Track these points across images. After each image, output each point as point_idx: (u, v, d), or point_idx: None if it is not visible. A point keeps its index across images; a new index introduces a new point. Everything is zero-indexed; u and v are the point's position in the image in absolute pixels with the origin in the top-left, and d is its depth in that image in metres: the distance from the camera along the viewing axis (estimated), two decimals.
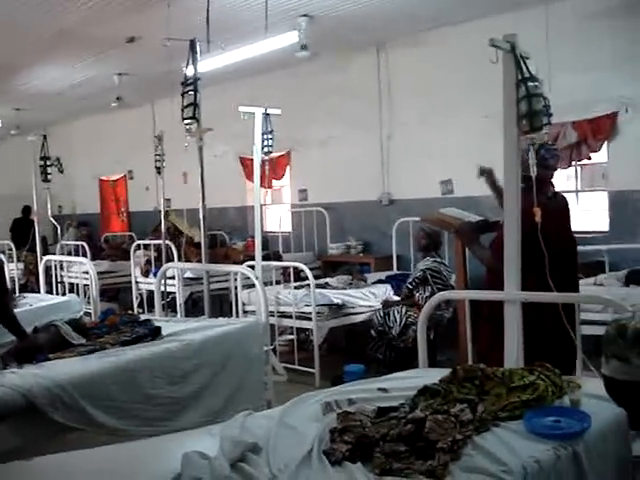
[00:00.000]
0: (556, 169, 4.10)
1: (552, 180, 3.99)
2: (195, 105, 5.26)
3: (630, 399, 1.59)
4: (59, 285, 8.35)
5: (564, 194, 4.30)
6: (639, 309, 1.66)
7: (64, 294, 7.55)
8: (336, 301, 6.78)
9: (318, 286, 6.90)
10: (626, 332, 1.56)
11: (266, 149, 6.74)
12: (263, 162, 6.83)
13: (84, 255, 9.16)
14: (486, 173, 4.40)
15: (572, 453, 2.35)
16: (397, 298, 6.94)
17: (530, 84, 3.20)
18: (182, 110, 5.32)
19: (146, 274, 8.83)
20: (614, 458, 2.58)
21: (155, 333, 4.35)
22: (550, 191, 3.93)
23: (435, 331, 6.19)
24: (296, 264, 6.98)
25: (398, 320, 6.31)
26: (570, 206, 4.13)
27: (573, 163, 7.50)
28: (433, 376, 2.96)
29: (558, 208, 3.91)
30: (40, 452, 2.59)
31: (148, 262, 8.93)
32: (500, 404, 2.59)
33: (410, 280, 6.74)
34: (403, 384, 3.07)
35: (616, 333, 1.58)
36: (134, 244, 9.29)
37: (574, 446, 2.37)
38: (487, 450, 2.27)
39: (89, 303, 6.99)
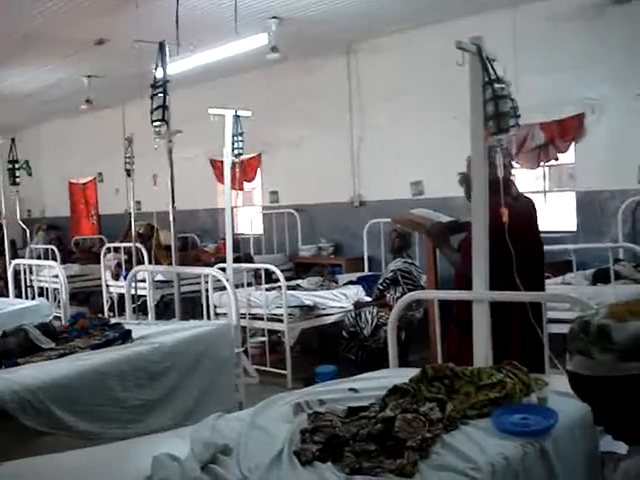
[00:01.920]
0: (512, 168, 4.15)
1: (514, 180, 4.04)
2: (164, 107, 5.23)
3: (593, 394, 1.61)
4: (28, 289, 8.26)
5: (530, 195, 4.35)
6: (603, 305, 1.69)
7: (33, 298, 7.46)
8: (307, 303, 6.79)
9: (289, 288, 6.91)
10: (589, 328, 1.58)
11: (236, 151, 6.72)
12: (234, 164, 6.82)
13: (54, 259, 9.07)
14: (467, 182, 4.43)
15: (540, 449, 2.39)
16: (368, 299, 6.97)
17: (497, 86, 3.23)
18: (151, 112, 5.29)
19: (116, 277, 8.78)
20: (582, 453, 2.62)
21: (126, 336, 4.32)
22: (514, 192, 3.97)
23: (406, 331, 6.22)
24: (267, 266, 6.99)
25: (369, 321, 6.33)
26: (536, 207, 4.17)
27: (541, 164, 7.58)
28: (403, 376, 2.98)
29: (523, 208, 3.95)
30: (13, 457, 2.57)
31: (118, 265, 8.87)
32: (469, 402, 2.62)
33: (381, 281, 6.77)
34: (373, 384, 3.09)
35: (580, 329, 1.60)
36: (104, 247, 9.22)
37: (541, 442, 2.40)
38: (456, 448, 2.30)
39: (59, 307, 6.92)
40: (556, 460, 2.42)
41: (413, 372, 2.97)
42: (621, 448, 1.79)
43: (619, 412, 1.60)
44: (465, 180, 4.23)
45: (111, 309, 8.69)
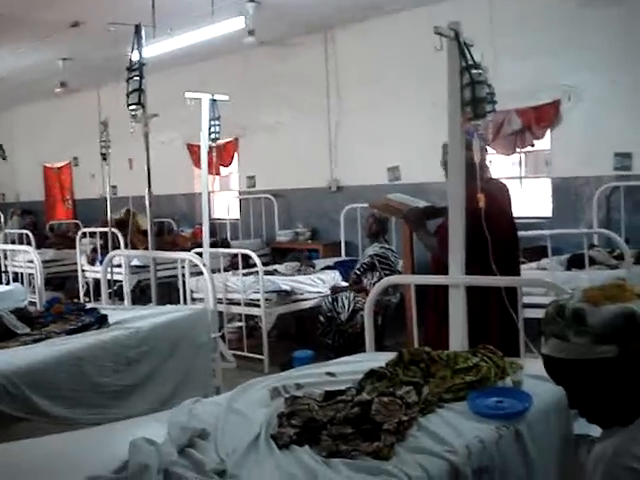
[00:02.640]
0: (487, 153, 4.18)
1: (487, 165, 4.05)
2: (140, 91, 5.19)
3: (567, 377, 1.63)
4: (3, 274, 8.19)
5: (506, 180, 4.37)
6: (578, 290, 1.71)
7: (8, 283, 7.40)
8: (285, 288, 6.80)
9: (266, 273, 6.91)
10: (564, 311, 1.60)
11: (213, 135, 6.69)
12: (210, 149, 6.79)
13: (28, 243, 9.00)
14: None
15: (514, 432, 2.41)
16: (345, 284, 6.99)
17: (474, 71, 3.24)
18: (127, 96, 5.25)
19: (92, 262, 8.72)
20: (556, 436, 2.65)
21: (101, 321, 4.30)
22: (487, 176, 3.99)
23: (383, 316, 6.25)
24: (244, 251, 6.98)
25: (346, 306, 6.35)
26: (509, 191, 4.19)
27: (517, 150, 7.62)
28: (380, 360, 3.00)
29: (497, 193, 3.97)
30: None
31: (94, 250, 8.82)
32: (445, 386, 2.64)
33: (358, 266, 6.79)
34: (350, 368, 3.10)
35: (555, 313, 1.62)
36: (80, 232, 9.16)
37: (516, 425, 2.43)
38: (432, 431, 2.32)
39: (34, 292, 6.87)
40: (531, 442, 2.45)
41: (390, 356, 2.99)
42: (595, 431, 1.81)
43: (593, 395, 1.62)
44: (445, 165, 4.26)
45: (87, 294, 8.64)
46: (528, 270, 5.69)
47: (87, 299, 8.31)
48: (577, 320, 1.58)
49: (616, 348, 1.55)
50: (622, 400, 1.59)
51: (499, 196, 3.98)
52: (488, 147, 4.00)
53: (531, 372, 2.79)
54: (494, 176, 4.25)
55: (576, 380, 1.62)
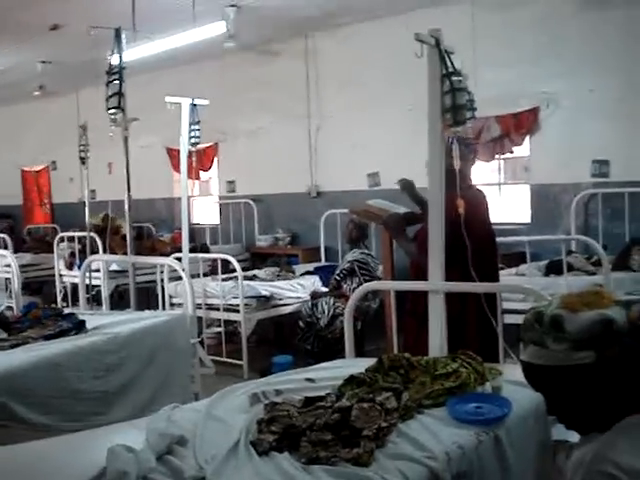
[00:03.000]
0: (474, 162, 4.19)
1: (468, 173, 4.06)
2: (120, 95, 5.17)
3: (546, 383, 1.64)
4: None
5: (485, 187, 4.39)
6: (556, 296, 1.72)
7: None
8: (264, 293, 6.78)
9: (246, 278, 6.89)
10: (543, 318, 1.61)
11: (193, 140, 6.66)
12: (190, 153, 6.76)
13: (5, 247, 8.93)
14: (407, 188, 4.47)
15: (494, 438, 2.42)
16: (325, 289, 6.99)
17: (454, 78, 3.25)
18: (107, 100, 5.22)
19: (70, 267, 8.66)
20: (535, 442, 2.66)
21: (79, 327, 4.26)
22: (467, 183, 4.00)
23: (362, 322, 6.26)
24: (223, 256, 6.95)
25: (326, 311, 6.35)
26: (487, 198, 4.20)
27: (496, 156, 7.67)
28: (359, 366, 2.99)
29: (474, 199, 3.98)
30: None
31: (72, 255, 8.76)
32: (424, 392, 2.64)
33: (338, 272, 6.79)
34: (330, 374, 3.09)
35: (533, 320, 1.64)
36: (58, 236, 9.10)
37: (495, 431, 2.44)
38: (411, 437, 2.32)
39: (11, 297, 6.82)
40: (509, 448, 2.45)
41: (369, 362, 2.99)
42: (573, 437, 1.82)
43: (571, 402, 1.63)
44: (405, 188, 4.31)
45: (64, 299, 8.57)
46: (507, 276, 5.72)
47: (65, 304, 8.24)
48: (555, 327, 1.59)
49: (594, 354, 1.56)
50: (600, 406, 1.60)
51: (477, 203, 4.00)
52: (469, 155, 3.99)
53: (510, 378, 2.80)
54: (472, 183, 4.26)
55: (554, 386, 1.63)
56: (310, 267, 8.01)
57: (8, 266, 6.98)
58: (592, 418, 1.63)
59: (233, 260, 6.63)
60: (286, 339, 7.25)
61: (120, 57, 5.26)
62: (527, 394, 2.54)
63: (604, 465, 1.43)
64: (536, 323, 1.63)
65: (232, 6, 7.45)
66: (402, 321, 3.99)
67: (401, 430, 2.36)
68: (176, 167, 9.99)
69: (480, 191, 4.25)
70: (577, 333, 1.56)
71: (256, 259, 9.39)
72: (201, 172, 10.36)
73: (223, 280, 6.77)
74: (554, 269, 6.01)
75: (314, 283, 7.30)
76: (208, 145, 10.07)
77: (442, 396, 2.62)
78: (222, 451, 2.23)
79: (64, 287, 8.73)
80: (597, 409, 1.61)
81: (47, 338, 4.06)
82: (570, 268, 5.78)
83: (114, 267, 7.80)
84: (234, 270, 6.61)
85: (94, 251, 7.95)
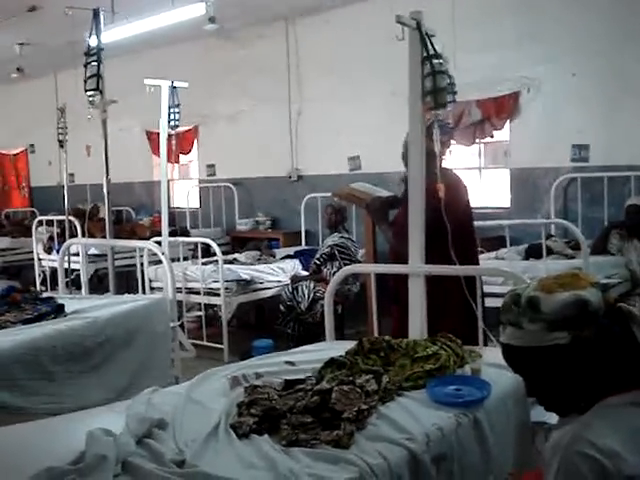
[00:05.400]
0: (449, 145, 4.18)
1: (444, 156, 4.05)
2: (98, 76, 5.10)
3: (523, 364, 1.66)
4: None
5: (466, 171, 4.38)
6: (535, 279, 1.74)
7: None
8: (244, 277, 6.77)
9: (226, 262, 6.87)
10: (520, 300, 1.63)
11: (173, 123, 6.61)
12: (170, 136, 6.72)
13: None
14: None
15: (473, 420, 2.44)
16: (305, 273, 6.98)
17: (435, 61, 3.25)
18: (85, 82, 5.16)
19: (49, 251, 8.59)
20: (514, 424, 2.68)
21: (58, 310, 4.23)
22: (442, 166, 3.99)
23: (343, 305, 6.26)
24: (204, 240, 6.92)
25: (306, 295, 6.35)
26: (465, 182, 4.19)
27: (477, 141, 7.68)
28: (340, 349, 3.00)
29: (452, 182, 3.96)
30: None
31: (51, 238, 8.68)
32: (404, 374, 2.66)
33: (318, 256, 6.78)
34: (310, 357, 3.10)
35: (511, 301, 1.65)
36: (36, 220, 9.02)
37: (475, 413, 2.45)
38: (391, 419, 2.33)
39: None
40: (489, 430, 2.47)
41: (349, 345, 3.00)
42: (551, 418, 1.84)
43: (549, 383, 1.64)
44: (405, 159, 4.26)
45: (43, 283, 8.50)
46: (487, 260, 5.74)
47: (44, 288, 8.17)
48: (531, 307, 1.60)
49: (568, 335, 1.57)
50: (576, 388, 1.61)
51: (455, 186, 3.99)
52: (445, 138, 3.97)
53: (490, 360, 2.82)
54: (450, 166, 4.25)
55: (532, 368, 1.64)
56: (290, 251, 8.00)
57: None
58: (569, 400, 1.64)
59: (213, 244, 6.61)
60: (266, 323, 7.25)
61: (98, 38, 5.20)
62: (506, 376, 2.56)
63: (581, 446, 1.44)
64: (514, 305, 1.64)
65: None
66: (383, 305, 4.00)
67: (381, 412, 2.38)
68: (155, 150, 9.92)
69: (456, 175, 4.24)
70: (551, 313, 1.57)
71: (236, 243, 9.36)
72: (181, 155, 10.30)
73: (203, 264, 6.74)
74: (534, 253, 6.04)
75: (294, 267, 7.29)
76: (188, 128, 10.01)
77: (422, 378, 2.63)
78: (202, 434, 2.23)
79: (43, 271, 8.66)
80: (574, 391, 1.62)
81: (25, 322, 4.03)
82: (549, 252, 5.81)
83: (93, 251, 7.75)
84: (214, 254, 6.59)
85: (73, 235, 7.89)
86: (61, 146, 7.63)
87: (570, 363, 1.58)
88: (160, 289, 6.38)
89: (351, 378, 2.51)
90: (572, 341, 1.57)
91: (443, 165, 4.01)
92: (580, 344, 1.57)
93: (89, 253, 7.63)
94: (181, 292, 6.35)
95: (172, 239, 6.90)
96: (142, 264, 6.44)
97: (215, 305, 6.74)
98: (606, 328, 1.57)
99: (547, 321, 1.58)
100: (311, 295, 6.33)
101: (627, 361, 1.58)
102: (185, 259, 7.19)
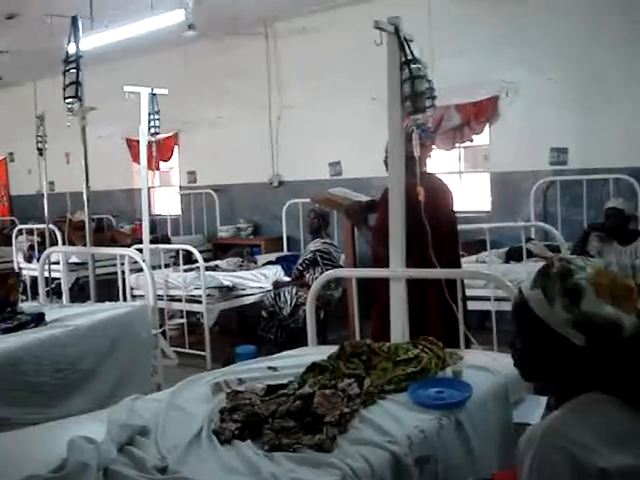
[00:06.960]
0: (432, 149, 4.21)
1: (427, 160, 4.07)
2: (77, 84, 5.09)
3: (527, 326, 1.59)
4: None
5: (446, 175, 4.41)
6: (590, 263, 1.64)
7: None
8: (226, 283, 6.76)
9: (208, 269, 6.85)
10: (568, 279, 1.56)
11: (153, 130, 6.60)
12: (150, 143, 6.70)
13: None
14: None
15: (455, 421, 2.45)
16: (288, 279, 6.98)
17: (413, 66, 3.27)
18: (64, 89, 5.15)
19: (29, 259, 8.55)
20: (496, 425, 2.70)
21: (39, 319, 4.20)
22: (424, 170, 4.02)
23: (325, 311, 6.26)
24: (185, 246, 6.90)
25: (289, 301, 6.34)
26: (447, 186, 4.22)
27: (457, 145, 7.72)
28: (322, 353, 3.01)
29: (434, 186, 3.99)
30: None
31: (31, 247, 8.64)
32: (386, 378, 2.67)
33: (300, 262, 6.78)
34: (292, 362, 3.11)
35: (558, 273, 1.57)
36: (16, 229, 8.96)
37: (457, 415, 2.47)
38: (374, 422, 2.34)
39: None
40: (471, 431, 2.48)
41: (332, 349, 3.00)
42: (533, 419, 1.84)
43: (538, 356, 1.61)
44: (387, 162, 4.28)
45: (24, 292, 8.44)
46: (467, 263, 5.77)
47: (24, 297, 8.13)
48: (572, 296, 1.55)
49: (585, 341, 1.55)
50: (560, 376, 1.60)
51: (437, 190, 4.02)
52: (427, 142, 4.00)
53: (471, 363, 2.84)
54: (432, 171, 4.28)
55: (532, 334, 1.61)
56: (272, 257, 7.99)
57: None
58: (549, 380, 1.64)
59: (195, 251, 6.59)
60: (249, 329, 7.23)
61: (77, 45, 5.18)
62: (487, 378, 2.58)
63: (555, 439, 1.45)
64: (559, 278, 1.59)
65: None
66: (365, 310, 4.01)
67: (363, 416, 2.38)
68: (136, 157, 9.87)
69: (439, 179, 4.27)
70: (586, 317, 1.54)
71: (218, 250, 9.33)
72: (161, 162, 10.26)
73: (185, 271, 6.73)
74: (514, 256, 6.08)
75: (276, 273, 7.29)
76: (168, 135, 9.97)
77: (404, 381, 2.64)
78: (184, 440, 2.23)
79: (23, 280, 8.60)
80: (557, 377, 1.61)
81: (6, 331, 4.00)
82: (530, 255, 5.85)
83: (74, 259, 7.71)
84: (196, 261, 6.57)
85: (54, 243, 7.86)
86: (40, 154, 7.59)
87: (569, 359, 1.57)
88: (142, 297, 6.35)
89: (333, 382, 2.52)
90: (585, 347, 1.55)
91: (427, 170, 4.05)
92: (588, 353, 1.55)
93: (70, 261, 7.59)
94: (163, 299, 6.33)
95: (153, 246, 6.88)
96: (123, 272, 6.41)
97: (197, 312, 6.72)
98: (620, 352, 1.55)
99: (577, 318, 1.55)
100: (293, 301, 6.33)
101: (619, 379, 1.55)
102: (167, 266, 7.17)
